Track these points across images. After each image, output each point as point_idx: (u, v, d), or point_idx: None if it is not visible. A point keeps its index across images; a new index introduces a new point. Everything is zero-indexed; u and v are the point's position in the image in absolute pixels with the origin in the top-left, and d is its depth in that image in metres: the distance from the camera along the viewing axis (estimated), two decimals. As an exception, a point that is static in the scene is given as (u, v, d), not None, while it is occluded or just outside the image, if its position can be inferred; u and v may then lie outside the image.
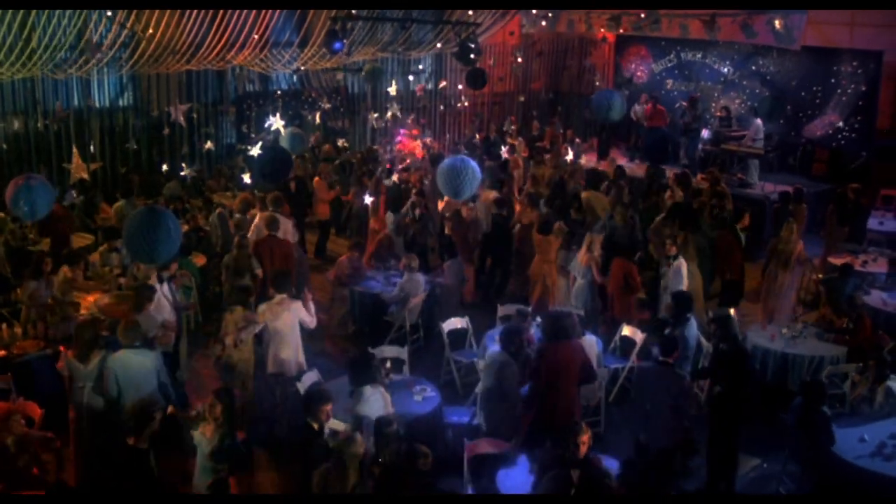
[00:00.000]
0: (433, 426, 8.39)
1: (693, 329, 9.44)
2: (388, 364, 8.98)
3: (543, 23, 20.31)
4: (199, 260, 12.75)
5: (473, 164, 9.39)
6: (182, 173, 15.17)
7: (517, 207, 14.02)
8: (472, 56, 12.84)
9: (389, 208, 13.89)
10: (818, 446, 7.88)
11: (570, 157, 17.42)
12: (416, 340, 11.62)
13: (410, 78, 19.64)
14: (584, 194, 14.46)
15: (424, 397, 8.60)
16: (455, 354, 10.52)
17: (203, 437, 7.19)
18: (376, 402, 7.72)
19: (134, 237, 7.00)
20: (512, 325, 8.94)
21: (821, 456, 7.87)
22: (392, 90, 18.57)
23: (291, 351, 9.09)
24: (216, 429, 7.19)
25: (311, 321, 9.24)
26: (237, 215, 12.94)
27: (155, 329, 8.90)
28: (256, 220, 12.45)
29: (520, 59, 20.70)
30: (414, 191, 14.19)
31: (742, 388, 8.16)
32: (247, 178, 14.75)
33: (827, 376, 9.61)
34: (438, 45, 17.25)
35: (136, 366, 7.84)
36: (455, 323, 10.72)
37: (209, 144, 16.10)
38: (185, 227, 13.27)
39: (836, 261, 13.41)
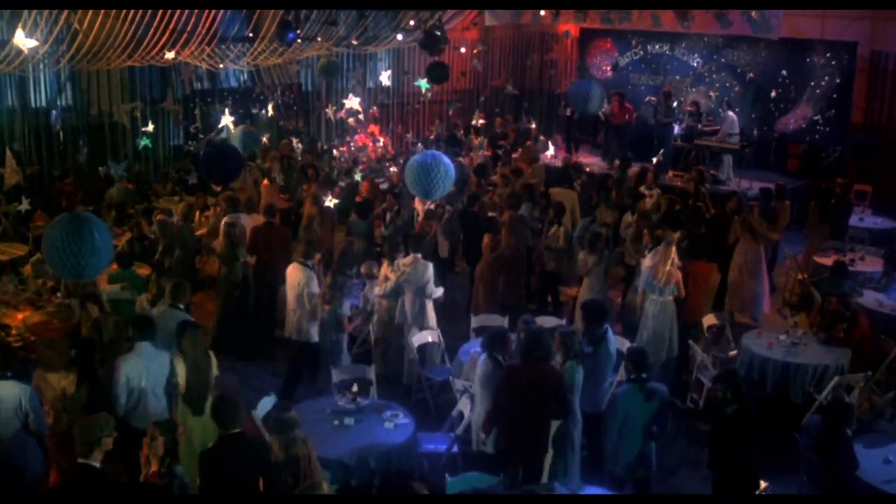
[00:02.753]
0: (408, 457, 7.42)
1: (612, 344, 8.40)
2: (355, 388, 7.99)
3: (506, 15, 19.43)
4: (143, 271, 11.67)
5: (446, 160, 8.43)
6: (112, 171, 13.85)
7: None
8: (438, 44, 11.88)
9: (355, 211, 12.84)
10: (840, 471, 7.05)
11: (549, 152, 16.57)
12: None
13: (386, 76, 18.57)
14: (552, 190, 13.65)
15: (397, 424, 7.61)
16: (426, 371, 9.57)
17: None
18: None
19: (55, 250, 5.90)
20: (499, 328, 8.02)
21: (844, 481, 7.03)
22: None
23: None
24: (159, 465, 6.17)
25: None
26: (179, 223, 11.78)
27: None
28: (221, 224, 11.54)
29: (476, 50, 19.80)
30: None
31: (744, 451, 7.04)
32: (192, 179, 13.63)
33: (834, 388, 8.84)
34: (399, 36, 16.26)
35: None
36: (425, 337, 9.74)
37: (145, 142, 14.84)
38: (129, 235, 12.46)
39: (824, 260, 12.75)
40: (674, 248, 9.88)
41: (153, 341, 7.43)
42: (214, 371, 7.72)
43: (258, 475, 6.12)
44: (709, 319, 10.38)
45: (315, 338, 9.53)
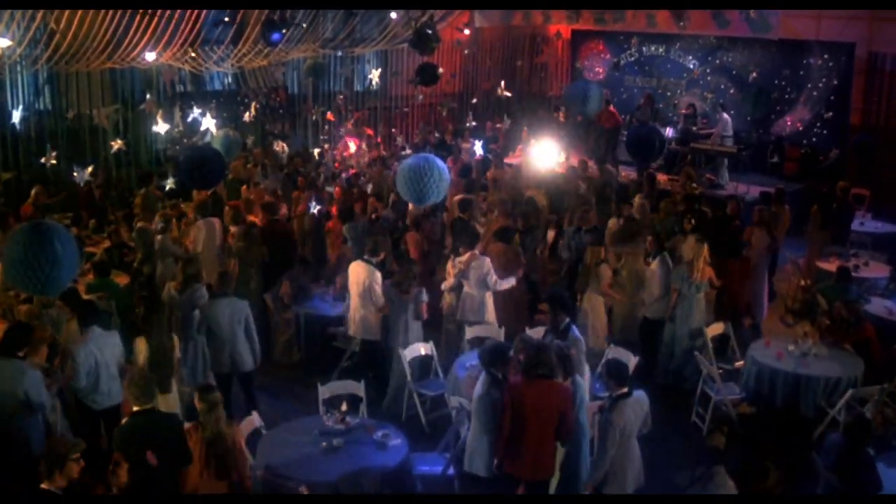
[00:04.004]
0: (402, 480, 6.94)
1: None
2: (344, 406, 7.50)
3: (497, 16, 18.98)
4: (121, 279, 11.16)
5: (440, 164, 7.93)
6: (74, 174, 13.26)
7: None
8: (430, 44, 11.39)
9: (340, 217, 12.34)
10: (862, 492, 6.61)
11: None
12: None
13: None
14: (529, 192, 13.28)
15: (389, 445, 7.13)
16: (418, 386, 9.09)
17: None
18: None
19: (14, 262, 5.37)
20: (498, 343, 7.62)
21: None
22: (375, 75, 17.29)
23: None
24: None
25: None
26: (157, 235, 11.25)
27: None
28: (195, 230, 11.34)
29: (466, 51, 19.37)
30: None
31: None
32: (169, 184, 13.08)
33: (848, 401, 8.42)
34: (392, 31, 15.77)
35: None
36: (417, 349, 9.26)
37: (118, 144, 14.28)
38: (107, 243, 12.02)
39: (827, 266, 12.37)
40: (706, 246, 9.97)
41: (101, 325, 7.84)
42: (177, 353, 8.09)
43: (172, 449, 6.32)
44: (713, 329, 9.95)
45: (380, 335, 9.57)
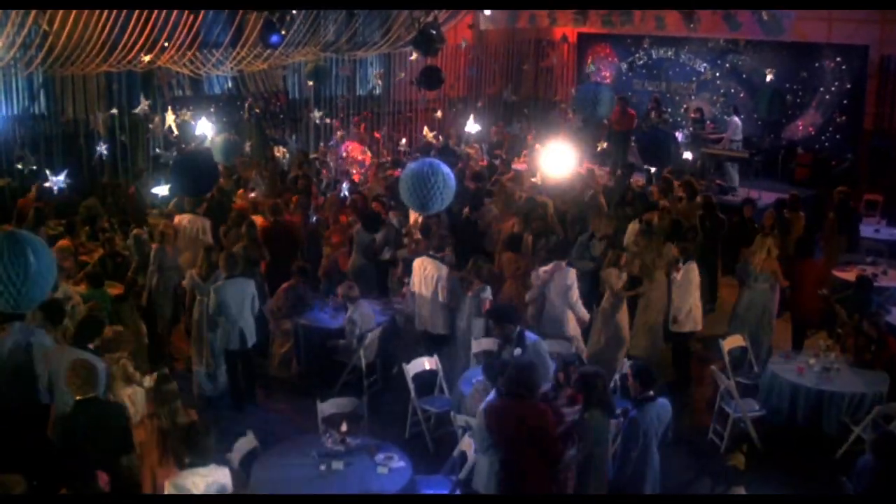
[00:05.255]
0: (404, 507, 6.54)
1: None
2: (344, 427, 7.09)
3: (501, 19, 18.60)
4: (115, 290, 10.77)
5: (445, 169, 7.49)
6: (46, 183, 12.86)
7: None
8: (434, 45, 10.97)
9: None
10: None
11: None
12: (373, 384, 9.74)
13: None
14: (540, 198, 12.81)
15: (392, 468, 6.72)
16: (423, 402, 8.67)
17: None
18: None
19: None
20: (525, 358, 7.09)
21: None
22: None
23: None
24: None
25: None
26: (153, 245, 10.87)
27: None
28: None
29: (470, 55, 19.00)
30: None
31: None
32: (163, 191, 12.71)
33: (874, 418, 8.01)
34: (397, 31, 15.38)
35: None
36: (422, 364, 8.83)
37: (101, 149, 13.88)
38: (101, 252, 11.56)
39: (844, 275, 11.95)
40: (771, 239, 10.22)
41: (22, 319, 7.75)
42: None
43: (116, 438, 6.34)
44: (730, 342, 9.53)
45: (447, 329, 9.63)
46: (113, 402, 6.87)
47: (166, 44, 13.48)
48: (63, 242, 11.15)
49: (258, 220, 11.56)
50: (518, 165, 16.39)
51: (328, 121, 17.55)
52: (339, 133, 17.46)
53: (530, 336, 8.01)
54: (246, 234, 10.75)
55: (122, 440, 6.38)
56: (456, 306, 9.49)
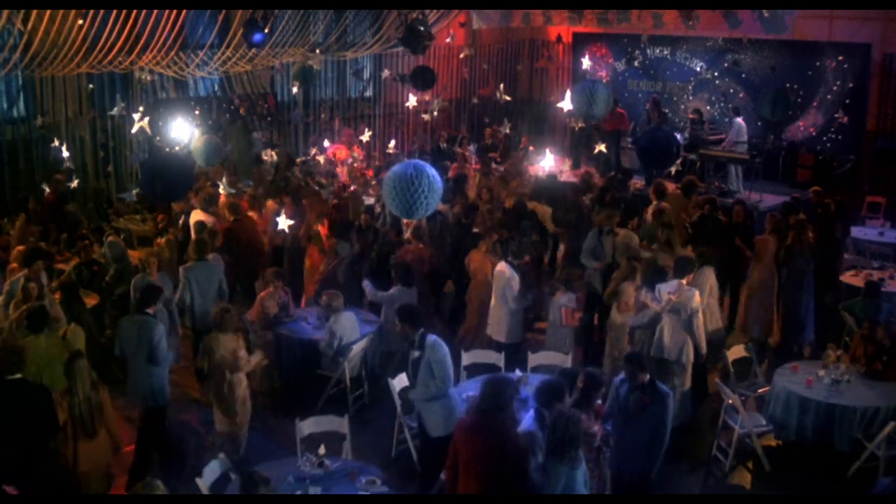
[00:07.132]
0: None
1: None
2: (322, 449, 6.61)
3: (495, 18, 18.12)
4: (91, 300, 10.32)
5: (431, 171, 6.99)
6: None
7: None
8: (422, 41, 10.49)
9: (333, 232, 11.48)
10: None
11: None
12: (358, 399, 9.25)
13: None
14: (531, 205, 12.49)
15: (374, 494, 6.24)
16: (410, 419, 8.18)
17: None
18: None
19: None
20: (554, 379, 6.57)
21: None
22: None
23: None
24: None
25: None
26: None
27: None
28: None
29: (463, 55, 18.52)
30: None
31: None
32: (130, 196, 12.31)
33: (890, 434, 7.55)
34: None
35: None
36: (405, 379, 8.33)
37: (64, 155, 13.41)
38: (76, 260, 11.14)
39: (851, 280, 11.53)
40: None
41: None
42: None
43: (39, 418, 6.46)
44: (734, 352, 9.07)
45: (520, 337, 9.66)
46: (38, 384, 6.92)
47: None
48: None
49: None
50: (510, 167, 15.95)
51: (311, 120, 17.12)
52: (324, 135, 17.12)
53: (430, 338, 7.34)
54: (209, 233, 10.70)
55: (47, 421, 6.51)
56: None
